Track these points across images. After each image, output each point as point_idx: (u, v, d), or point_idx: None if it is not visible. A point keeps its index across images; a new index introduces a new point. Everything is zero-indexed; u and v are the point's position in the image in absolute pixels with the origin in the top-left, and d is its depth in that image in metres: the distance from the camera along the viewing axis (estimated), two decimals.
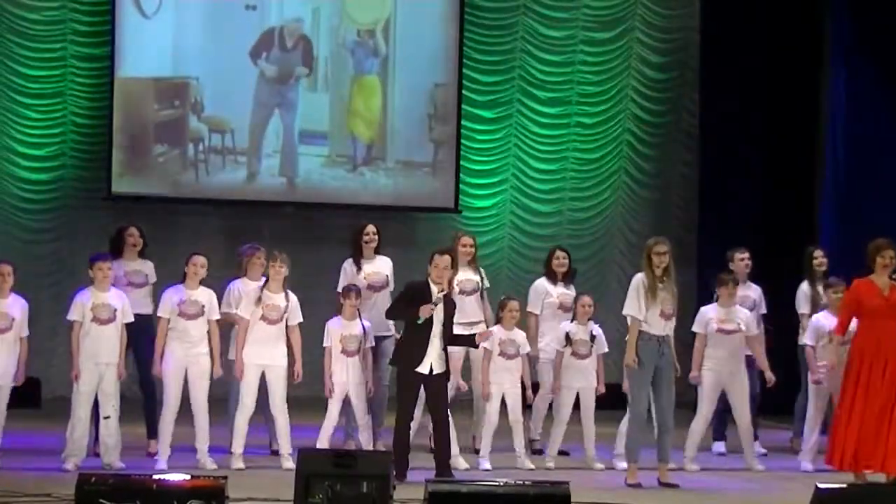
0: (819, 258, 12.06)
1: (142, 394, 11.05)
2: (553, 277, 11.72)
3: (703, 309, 11.23)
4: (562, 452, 11.13)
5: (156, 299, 10.89)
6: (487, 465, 10.62)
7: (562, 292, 11.62)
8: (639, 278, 10.17)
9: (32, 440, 10.32)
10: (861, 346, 10.16)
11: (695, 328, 11.16)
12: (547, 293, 11.61)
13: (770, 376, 11.21)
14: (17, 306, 10.25)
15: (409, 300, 10.09)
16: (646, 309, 10.07)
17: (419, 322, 9.93)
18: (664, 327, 10.11)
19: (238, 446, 10.42)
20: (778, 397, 11.36)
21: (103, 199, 15.08)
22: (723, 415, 11.76)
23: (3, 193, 15.11)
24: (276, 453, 10.74)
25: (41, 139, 15.21)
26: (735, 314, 11.11)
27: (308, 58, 15.63)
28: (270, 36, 15.54)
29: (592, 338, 11.00)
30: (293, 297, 10.59)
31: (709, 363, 11.03)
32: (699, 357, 11.06)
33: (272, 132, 15.55)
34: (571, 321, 11.12)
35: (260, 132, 15.48)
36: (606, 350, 11.09)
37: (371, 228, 11.28)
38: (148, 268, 11.13)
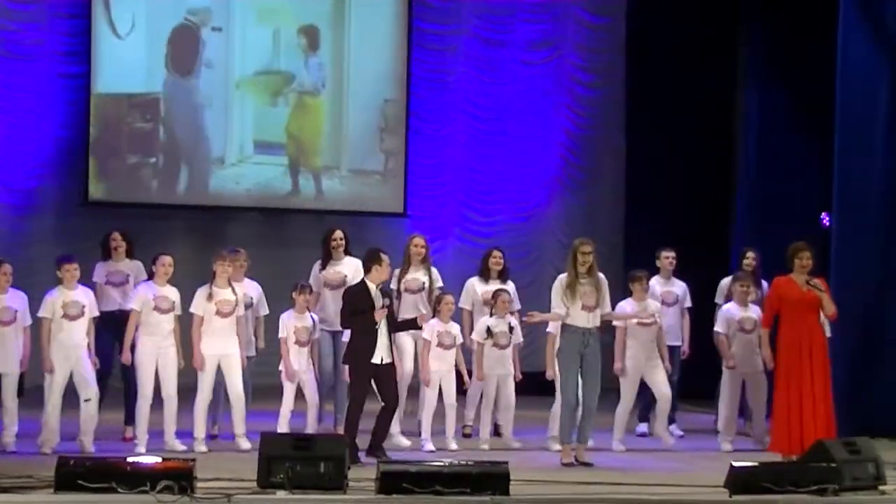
0: (749, 258, 12.00)
1: (123, 383, 10.92)
2: (486, 275, 11.58)
3: (619, 304, 11.11)
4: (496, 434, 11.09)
5: None
6: (430, 447, 10.55)
7: (487, 289, 11.40)
8: (559, 279, 10.12)
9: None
10: (787, 338, 10.18)
11: (615, 323, 11.06)
12: (475, 291, 11.49)
13: (685, 349, 11.39)
14: (17, 299, 10.19)
15: (353, 308, 10.04)
16: (567, 305, 10.00)
17: (375, 326, 9.90)
18: (588, 320, 10.01)
19: (199, 431, 10.33)
20: (699, 383, 11.37)
21: (80, 205, 14.95)
22: (648, 398, 11.76)
23: None
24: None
25: (24, 150, 15.00)
26: (647, 307, 11.06)
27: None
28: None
29: (511, 329, 10.94)
30: (240, 290, 10.53)
31: (629, 352, 10.99)
32: (621, 350, 11.03)
33: (236, 142, 15.44)
34: (490, 315, 11.03)
35: (221, 142, 15.39)
36: (521, 341, 11.06)
37: (338, 234, 11.28)
38: (132, 267, 11.06)
